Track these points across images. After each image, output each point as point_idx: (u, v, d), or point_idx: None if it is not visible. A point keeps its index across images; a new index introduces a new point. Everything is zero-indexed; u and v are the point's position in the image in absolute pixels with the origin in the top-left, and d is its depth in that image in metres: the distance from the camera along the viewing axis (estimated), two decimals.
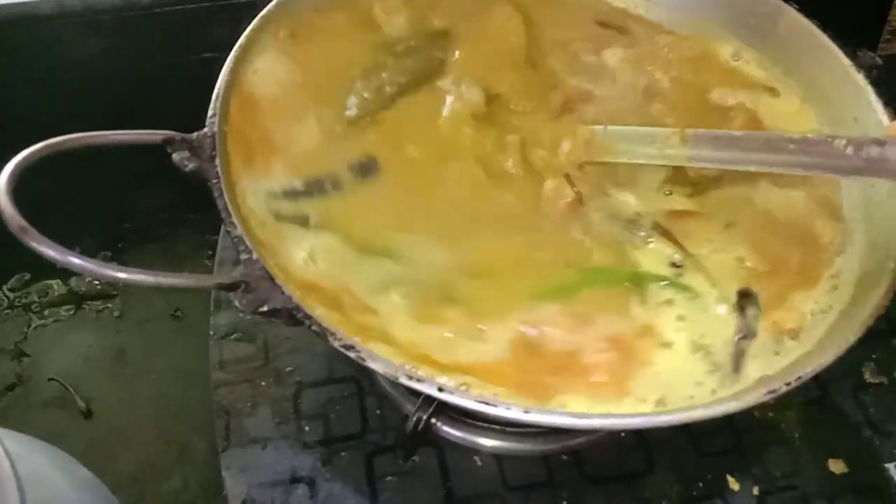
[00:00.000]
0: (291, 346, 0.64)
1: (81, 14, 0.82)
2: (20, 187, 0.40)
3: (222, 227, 0.66)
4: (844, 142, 0.43)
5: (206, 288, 0.48)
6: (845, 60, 0.55)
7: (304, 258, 0.47)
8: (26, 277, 0.80)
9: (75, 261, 0.37)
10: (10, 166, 0.39)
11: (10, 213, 0.38)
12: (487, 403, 0.38)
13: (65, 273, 0.81)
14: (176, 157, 0.46)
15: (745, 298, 0.48)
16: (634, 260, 0.51)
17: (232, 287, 0.41)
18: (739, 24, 0.61)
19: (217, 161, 0.46)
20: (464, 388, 0.41)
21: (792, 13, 0.58)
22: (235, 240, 0.43)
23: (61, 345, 0.76)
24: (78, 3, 0.81)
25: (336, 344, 0.40)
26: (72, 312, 0.79)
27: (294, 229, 0.49)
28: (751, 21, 0.61)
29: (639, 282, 0.49)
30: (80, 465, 0.57)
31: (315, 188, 0.52)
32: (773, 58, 0.60)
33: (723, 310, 0.48)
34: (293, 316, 0.40)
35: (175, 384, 0.74)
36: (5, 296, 0.79)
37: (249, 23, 0.55)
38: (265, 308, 0.40)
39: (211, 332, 0.64)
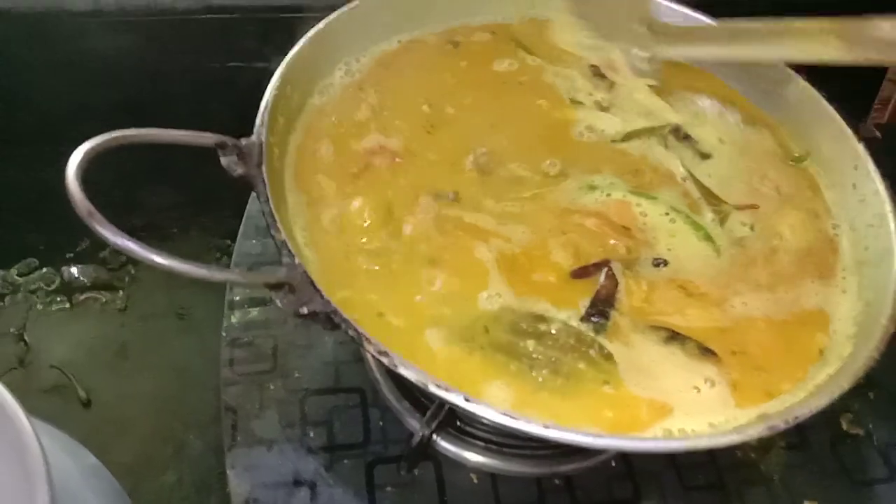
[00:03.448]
0: (300, 353, 0.66)
1: (115, 14, 0.84)
2: None
3: (241, 227, 0.69)
4: None
5: (253, 286, 0.51)
6: (848, 131, 0.60)
7: None
8: (34, 264, 0.81)
9: (131, 245, 0.40)
10: (78, 154, 0.41)
11: (80, 197, 0.40)
12: (509, 416, 0.41)
13: (70, 262, 0.82)
14: (224, 160, 0.48)
15: None
16: None
17: (277, 287, 0.43)
18: (751, 88, 0.66)
19: (263, 169, 0.48)
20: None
21: (801, 82, 0.63)
22: (280, 244, 0.45)
23: (64, 334, 0.77)
24: (112, 3, 0.84)
25: (371, 350, 0.42)
26: (69, 305, 0.80)
27: None
28: (761, 86, 0.65)
29: None
30: (88, 451, 0.58)
31: None
32: (780, 120, 0.65)
33: None
34: (331, 319, 0.43)
35: (175, 382, 0.75)
36: (11, 280, 0.80)
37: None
38: (305, 310, 0.43)
39: (223, 334, 0.66)
